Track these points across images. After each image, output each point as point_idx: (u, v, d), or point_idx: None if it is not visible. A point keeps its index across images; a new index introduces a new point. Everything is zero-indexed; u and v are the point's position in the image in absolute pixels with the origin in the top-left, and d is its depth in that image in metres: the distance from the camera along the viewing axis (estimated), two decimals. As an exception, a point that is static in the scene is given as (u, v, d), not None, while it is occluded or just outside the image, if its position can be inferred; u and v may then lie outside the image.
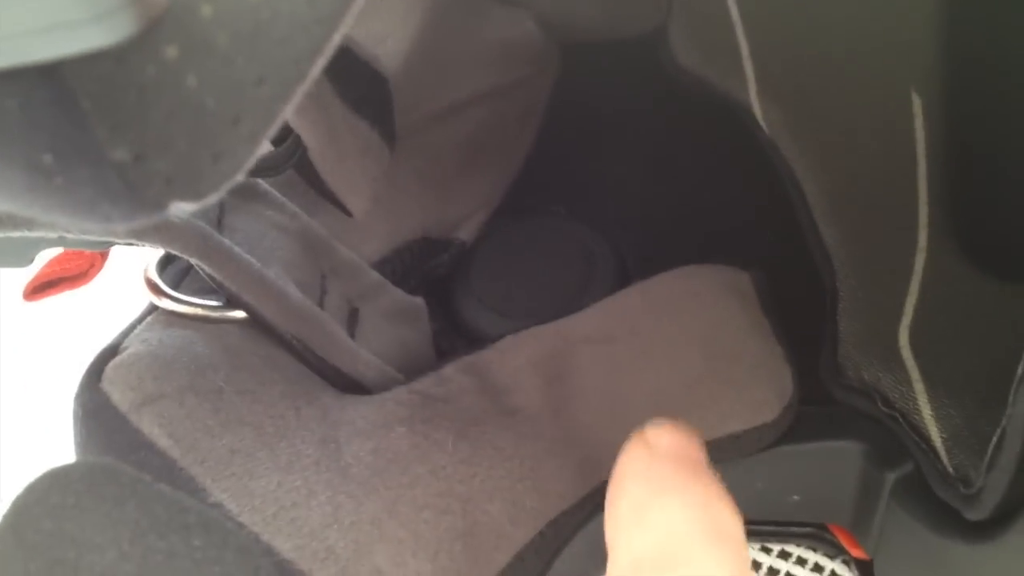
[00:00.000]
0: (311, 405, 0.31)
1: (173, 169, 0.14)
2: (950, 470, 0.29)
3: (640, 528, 0.24)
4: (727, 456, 0.32)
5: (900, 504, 0.31)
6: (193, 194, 0.15)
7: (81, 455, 0.30)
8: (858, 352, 0.33)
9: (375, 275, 0.38)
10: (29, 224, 0.24)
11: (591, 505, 0.32)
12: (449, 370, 0.34)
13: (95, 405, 0.29)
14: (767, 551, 0.37)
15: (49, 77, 0.13)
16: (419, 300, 0.39)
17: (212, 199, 0.15)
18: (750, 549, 0.38)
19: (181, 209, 0.15)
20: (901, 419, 0.31)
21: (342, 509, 0.28)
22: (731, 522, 0.24)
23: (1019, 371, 0.23)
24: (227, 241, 0.30)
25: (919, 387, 0.30)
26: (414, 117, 0.41)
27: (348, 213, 0.38)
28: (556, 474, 0.31)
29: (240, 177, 0.15)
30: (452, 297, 0.43)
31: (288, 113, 0.15)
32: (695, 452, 0.25)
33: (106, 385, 0.29)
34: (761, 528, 0.37)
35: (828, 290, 0.34)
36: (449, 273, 0.44)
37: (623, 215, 0.46)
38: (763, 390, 0.33)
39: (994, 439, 0.25)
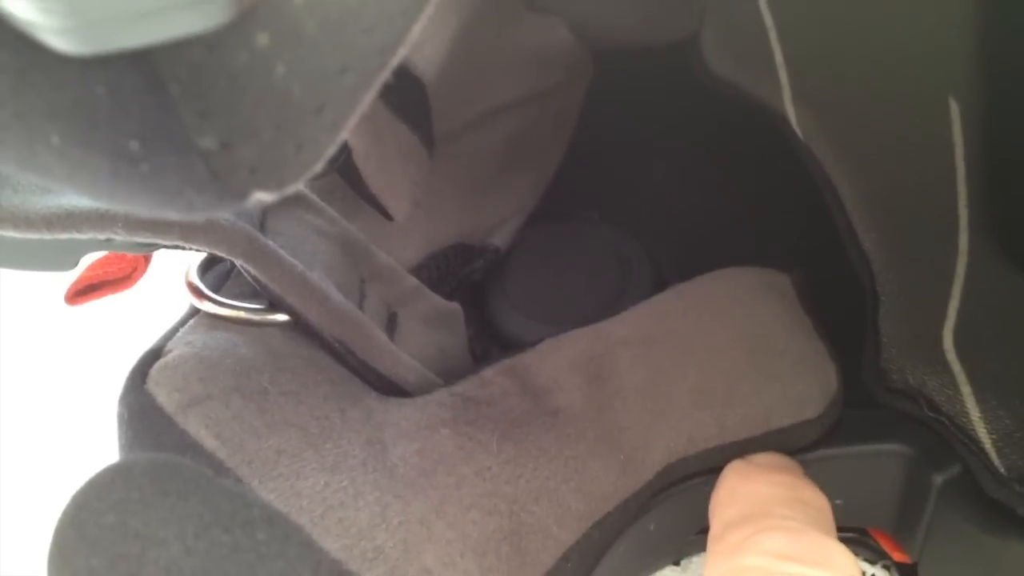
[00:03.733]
0: (355, 407, 0.31)
1: (258, 158, 0.14)
2: (1002, 470, 0.28)
3: (731, 502, 0.29)
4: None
5: (949, 506, 0.30)
6: (275, 184, 0.15)
7: (127, 456, 0.30)
8: (902, 355, 0.33)
9: (413, 280, 0.38)
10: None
11: (635, 506, 0.32)
12: (489, 372, 0.34)
13: (141, 406, 0.29)
14: (807, 556, 0.37)
15: (140, 63, 0.13)
16: (455, 305, 0.39)
17: (292, 189, 0.15)
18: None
19: (260, 200, 0.15)
20: (948, 422, 0.31)
21: (390, 509, 0.28)
22: (815, 497, 0.29)
23: None
24: (272, 244, 0.30)
25: (966, 390, 0.30)
26: (449, 124, 0.42)
27: (389, 217, 0.38)
28: (600, 475, 0.31)
29: (320, 167, 0.15)
30: (487, 302, 0.43)
31: (368, 103, 0.15)
32: (787, 462, 0.31)
33: (152, 387, 0.29)
34: (801, 533, 0.37)
35: (868, 294, 0.34)
36: (484, 279, 0.44)
37: (658, 220, 0.46)
38: (807, 386, 0.33)
39: None
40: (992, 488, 0.29)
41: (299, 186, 0.15)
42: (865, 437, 0.33)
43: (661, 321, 0.35)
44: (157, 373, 0.30)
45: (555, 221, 0.46)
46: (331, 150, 0.15)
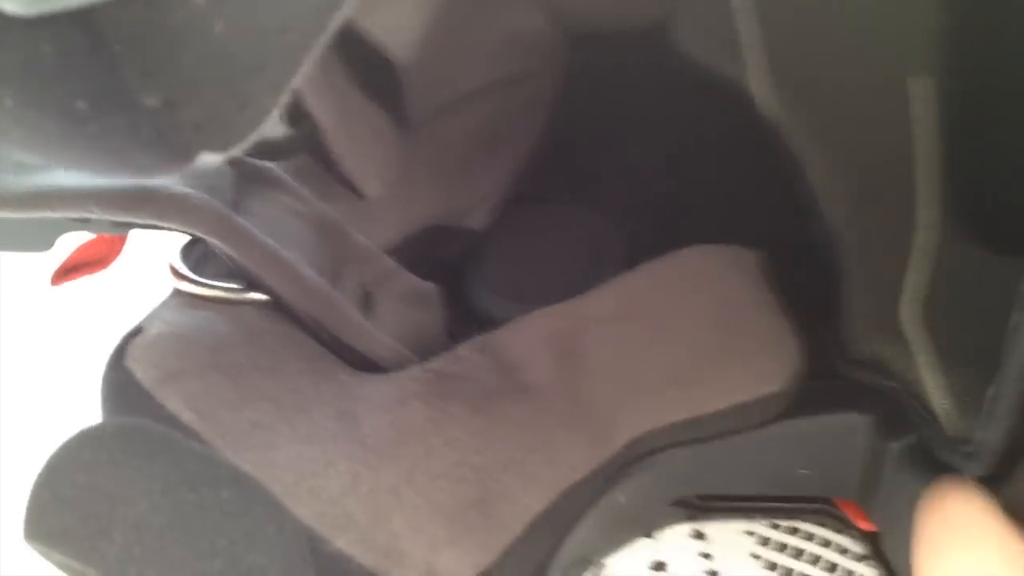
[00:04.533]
0: (329, 381, 0.32)
1: (201, 116, 0.15)
2: (951, 434, 0.29)
3: None
4: (736, 426, 0.33)
5: (903, 472, 0.31)
6: (220, 143, 0.15)
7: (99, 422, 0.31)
8: (861, 327, 0.33)
9: (388, 261, 0.39)
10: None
11: (603, 477, 0.33)
12: (463, 349, 0.35)
13: (120, 382, 0.30)
14: (776, 527, 0.38)
15: (82, 22, 0.14)
16: (431, 285, 0.40)
17: (237, 150, 0.16)
18: (759, 525, 0.38)
19: (207, 161, 0.16)
20: (905, 391, 0.32)
21: (360, 478, 0.29)
22: None
23: (1011, 321, 0.24)
24: (246, 223, 0.31)
25: (920, 359, 0.31)
26: (424, 107, 0.42)
27: (361, 196, 0.38)
28: (568, 447, 0.32)
29: (264, 127, 0.16)
30: (463, 284, 0.44)
31: (309, 64, 0.16)
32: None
33: (130, 363, 0.30)
34: (770, 505, 0.37)
35: (831, 268, 0.35)
36: (461, 260, 0.45)
37: (632, 203, 0.46)
38: (770, 360, 0.33)
39: (990, 391, 0.25)
40: (942, 451, 0.29)
41: (244, 146, 0.16)
42: (827, 407, 0.33)
43: (630, 299, 0.36)
44: (135, 350, 0.31)
45: (531, 203, 0.47)
46: (273, 110, 0.16)
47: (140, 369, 0.30)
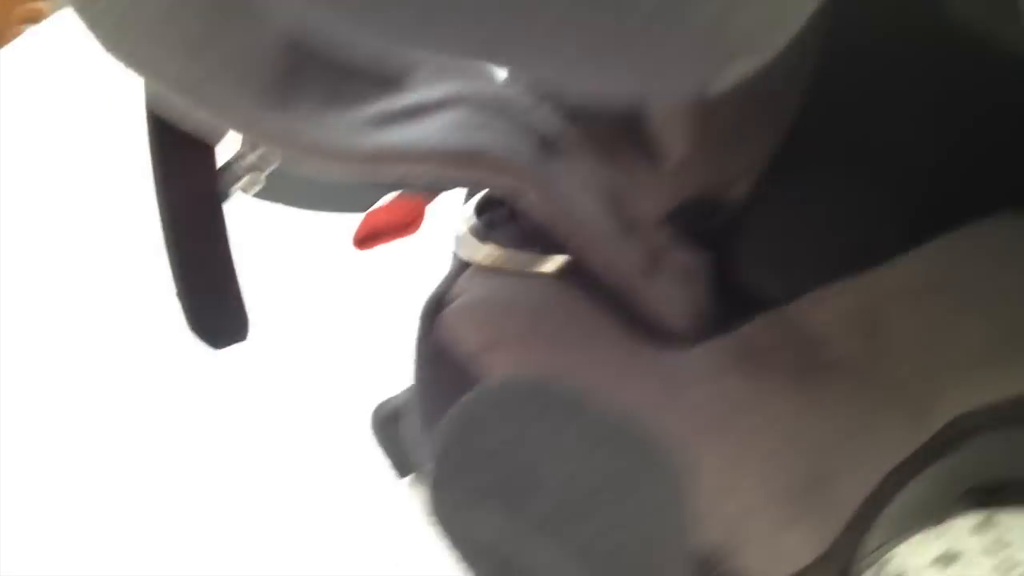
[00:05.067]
0: (643, 352, 0.31)
1: (754, 22, 0.14)
2: None
3: None
4: None
5: None
6: (759, 51, 0.14)
7: (424, 396, 0.30)
8: None
9: (664, 232, 0.37)
10: None
11: (924, 459, 0.31)
12: (757, 324, 0.34)
13: (439, 349, 0.30)
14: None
15: None
16: (703, 257, 0.39)
17: (767, 58, 0.15)
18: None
19: (737, 71, 0.15)
20: None
21: (696, 451, 0.28)
22: None
23: None
24: (565, 184, 0.30)
25: None
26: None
27: (661, 161, 0.37)
28: (889, 426, 0.31)
29: (792, 36, 0.15)
30: (725, 256, 0.42)
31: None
32: None
33: (446, 331, 0.30)
34: None
35: None
36: (721, 232, 0.43)
37: (903, 170, 0.44)
38: None
39: None
40: None
41: (774, 54, 0.15)
42: None
43: (938, 270, 0.34)
44: (451, 317, 0.30)
45: (793, 172, 0.45)
46: (806, 18, 0.15)
47: (459, 337, 0.30)
